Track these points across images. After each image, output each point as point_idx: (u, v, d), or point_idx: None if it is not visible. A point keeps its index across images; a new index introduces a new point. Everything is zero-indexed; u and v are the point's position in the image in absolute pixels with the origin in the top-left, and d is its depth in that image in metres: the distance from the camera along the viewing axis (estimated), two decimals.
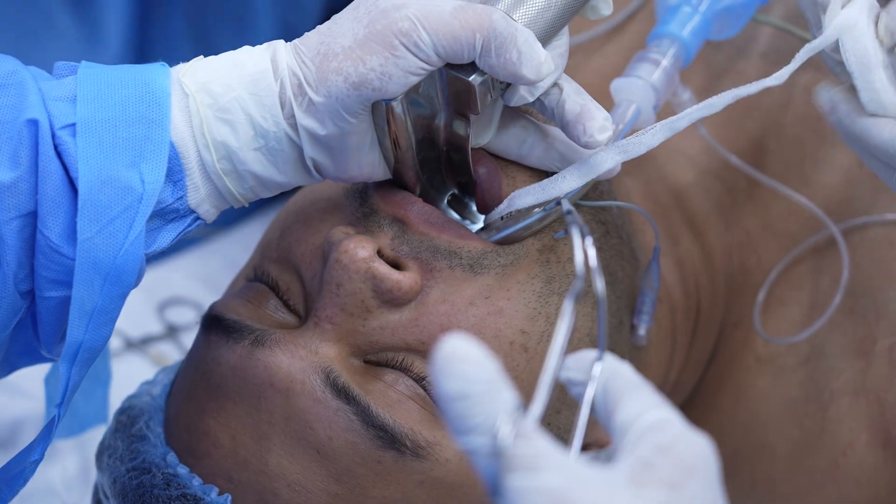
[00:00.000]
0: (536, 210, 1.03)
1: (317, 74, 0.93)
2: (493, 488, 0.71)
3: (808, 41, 1.19)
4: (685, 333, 1.18)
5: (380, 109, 0.95)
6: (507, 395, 0.71)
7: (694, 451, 0.74)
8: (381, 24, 0.92)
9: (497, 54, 0.92)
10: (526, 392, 1.01)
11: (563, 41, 0.99)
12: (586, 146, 0.99)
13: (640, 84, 1.10)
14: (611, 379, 0.78)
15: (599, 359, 0.79)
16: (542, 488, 0.70)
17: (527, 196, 1.02)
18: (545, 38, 0.97)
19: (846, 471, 1.14)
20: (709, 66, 1.23)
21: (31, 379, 1.23)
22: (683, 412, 1.21)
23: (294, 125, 0.94)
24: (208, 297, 1.50)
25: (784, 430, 1.16)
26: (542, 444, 0.71)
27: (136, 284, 0.93)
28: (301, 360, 0.98)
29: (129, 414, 1.07)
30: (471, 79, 0.94)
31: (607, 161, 1.00)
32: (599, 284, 0.83)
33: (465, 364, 0.70)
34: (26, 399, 1.39)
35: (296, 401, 0.98)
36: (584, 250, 0.85)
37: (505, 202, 1.02)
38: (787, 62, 1.21)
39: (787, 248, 1.18)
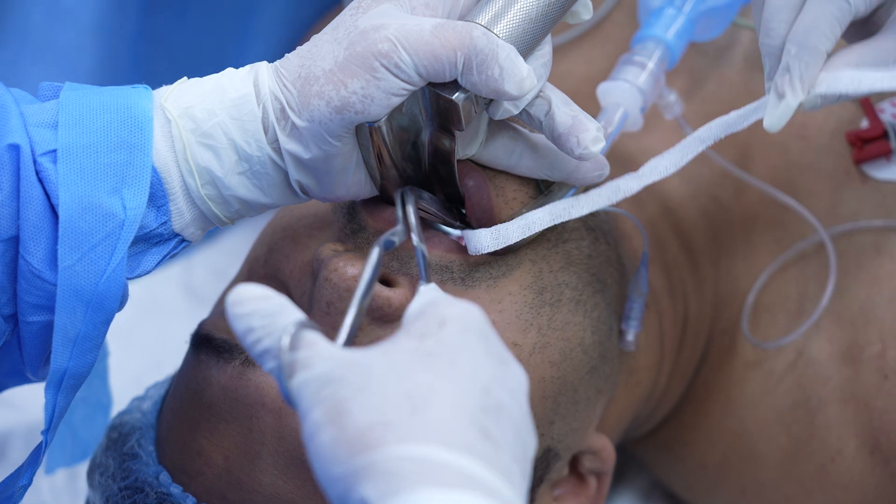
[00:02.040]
0: None
1: (299, 99, 0.92)
2: (287, 398, 0.82)
3: None
4: (673, 339, 1.18)
5: (364, 130, 0.95)
6: (288, 317, 0.83)
7: (450, 309, 0.84)
8: (360, 46, 0.92)
9: (479, 72, 0.92)
10: None
11: (545, 50, 0.99)
12: (580, 158, 0.98)
13: (627, 87, 1.10)
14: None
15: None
16: (314, 377, 0.80)
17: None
18: (527, 50, 0.96)
19: (834, 477, 1.14)
20: (692, 69, 1.23)
21: (20, 390, 1.23)
22: (672, 418, 1.22)
23: (278, 149, 0.94)
24: (192, 307, 1.51)
25: (772, 437, 1.16)
26: (318, 347, 0.82)
27: (119, 309, 0.93)
28: None
29: (120, 431, 1.07)
30: (454, 97, 0.94)
31: (587, 206, 1.01)
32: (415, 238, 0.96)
33: (247, 304, 0.83)
34: (14, 410, 1.39)
35: (288, 420, 0.98)
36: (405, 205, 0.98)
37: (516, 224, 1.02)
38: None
39: (774, 254, 1.18)
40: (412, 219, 0.97)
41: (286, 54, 0.95)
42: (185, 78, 0.96)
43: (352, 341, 0.88)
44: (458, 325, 0.83)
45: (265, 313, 0.82)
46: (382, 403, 0.78)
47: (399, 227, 0.95)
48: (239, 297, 0.83)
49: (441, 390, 0.79)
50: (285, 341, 0.81)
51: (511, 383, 0.82)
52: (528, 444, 0.82)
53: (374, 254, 0.90)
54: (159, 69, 1.50)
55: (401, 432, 0.77)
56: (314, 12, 1.56)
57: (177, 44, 1.52)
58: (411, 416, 0.77)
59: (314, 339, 0.82)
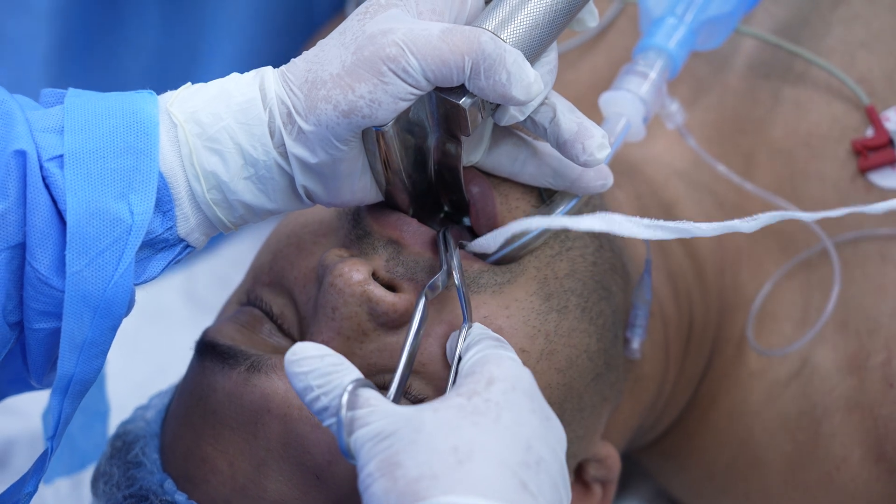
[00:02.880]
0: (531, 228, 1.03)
1: (306, 103, 0.92)
2: (346, 453, 0.88)
3: (792, 53, 1.20)
4: (678, 347, 1.18)
5: (370, 135, 0.94)
6: (346, 377, 0.89)
7: (498, 368, 0.90)
8: (368, 51, 0.92)
9: (486, 76, 0.92)
10: None
11: (551, 57, 0.99)
12: (585, 164, 0.98)
13: (630, 97, 1.10)
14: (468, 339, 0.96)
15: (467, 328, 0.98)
16: (371, 433, 0.87)
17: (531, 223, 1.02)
18: (534, 56, 0.97)
19: (839, 485, 1.14)
20: (694, 77, 1.23)
21: (23, 398, 1.23)
22: (677, 426, 1.22)
23: (284, 154, 0.94)
24: (195, 315, 1.50)
25: (777, 445, 1.16)
26: (375, 405, 0.88)
27: (126, 315, 0.92)
28: None
29: (124, 440, 1.07)
30: (461, 102, 0.94)
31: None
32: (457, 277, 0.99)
33: (305, 363, 0.89)
34: (17, 418, 1.38)
35: (293, 426, 0.98)
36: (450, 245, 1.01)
37: (509, 227, 1.01)
38: (772, 74, 1.21)
39: (779, 262, 1.18)
40: (455, 261, 0.99)
41: (292, 59, 0.95)
42: (189, 83, 0.95)
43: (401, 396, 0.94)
44: (505, 383, 0.89)
45: (323, 372, 0.89)
46: (430, 457, 0.84)
47: (441, 274, 0.98)
48: (296, 355, 0.89)
49: (485, 445, 0.85)
50: (344, 400, 0.87)
51: (552, 439, 0.88)
52: (563, 497, 0.88)
53: (421, 305, 0.96)
54: (119, 56, 1.48)
55: (446, 484, 0.83)
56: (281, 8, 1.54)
57: (135, 30, 1.49)
58: (456, 469, 0.84)
59: (370, 397, 0.88)
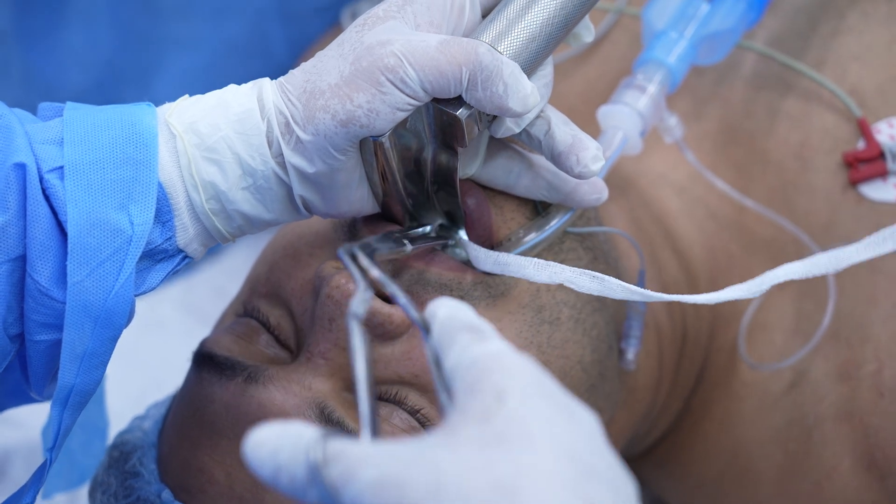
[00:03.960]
0: (526, 240, 1.03)
1: (304, 113, 0.93)
2: None
3: (791, 67, 1.21)
4: (672, 358, 1.18)
5: (367, 145, 0.95)
6: (305, 438, 0.73)
7: (502, 375, 0.75)
8: (366, 61, 0.92)
9: (483, 88, 0.92)
10: None
11: (547, 70, 0.99)
12: (579, 176, 0.99)
13: (627, 111, 1.10)
14: (436, 337, 0.81)
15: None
16: (364, 487, 0.71)
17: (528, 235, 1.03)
18: (530, 69, 0.97)
19: (831, 494, 1.14)
20: (694, 91, 1.24)
21: (21, 409, 1.23)
22: (670, 436, 1.23)
23: (282, 164, 0.94)
24: (193, 327, 1.51)
25: (769, 455, 1.17)
26: (350, 452, 0.72)
27: (126, 325, 0.93)
28: (295, 396, 0.99)
29: (121, 450, 1.07)
30: (458, 113, 0.94)
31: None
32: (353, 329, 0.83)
33: (264, 447, 0.74)
34: (15, 429, 1.38)
35: None
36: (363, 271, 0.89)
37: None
38: (765, 87, 1.22)
39: None
40: (374, 273, 0.90)
41: (290, 70, 0.96)
42: (187, 95, 0.96)
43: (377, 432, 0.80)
44: (519, 393, 0.75)
45: (290, 447, 0.74)
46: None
47: (361, 293, 0.86)
48: (256, 440, 0.75)
49: (530, 475, 0.71)
50: (315, 456, 0.73)
51: (585, 433, 0.75)
52: (622, 489, 0.75)
53: (355, 331, 0.82)
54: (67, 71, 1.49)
55: None
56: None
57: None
58: None
59: (341, 448, 0.73)
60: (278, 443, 0.74)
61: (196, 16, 1.50)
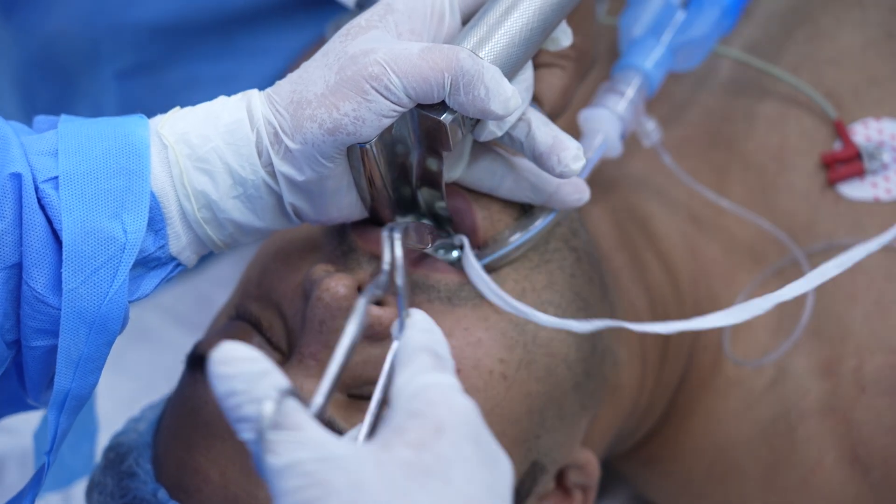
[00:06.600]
0: (511, 240, 1.05)
1: (292, 122, 0.95)
2: (260, 468, 0.76)
3: (767, 72, 1.22)
4: (655, 357, 1.20)
5: (355, 152, 0.97)
6: (272, 382, 0.76)
7: (447, 411, 0.79)
8: (351, 70, 0.94)
9: (465, 92, 0.94)
10: (504, 419, 1.03)
11: (528, 74, 1.01)
12: (561, 176, 1.01)
13: (607, 114, 1.12)
14: (400, 349, 0.85)
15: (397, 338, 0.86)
16: (295, 467, 0.75)
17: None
18: (510, 74, 0.99)
19: (815, 489, 1.16)
20: (672, 97, 1.26)
21: (14, 416, 1.24)
22: (656, 434, 1.24)
23: (272, 173, 0.96)
24: (180, 335, 1.51)
25: (754, 451, 1.18)
26: (303, 433, 0.76)
27: (120, 331, 0.94)
28: None
29: (117, 451, 1.09)
30: (442, 118, 0.96)
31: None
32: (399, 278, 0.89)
33: (232, 364, 0.76)
34: (8, 435, 1.39)
35: None
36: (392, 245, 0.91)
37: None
38: (743, 92, 1.23)
39: (752, 272, 1.21)
40: (399, 263, 0.91)
41: (277, 81, 0.97)
42: (178, 107, 0.97)
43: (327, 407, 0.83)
44: (454, 433, 0.78)
45: (249, 377, 0.76)
46: None
47: (383, 277, 0.89)
48: (224, 356, 0.76)
49: None
50: (267, 415, 0.75)
51: (500, 487, 0.80)
52: None
53: (361, 304, 0.84)
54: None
55: None
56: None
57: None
58: None
59: (299, 422, 0.76)
60: (243, 368, 0.76)
61: (203, 91, 1.52)
